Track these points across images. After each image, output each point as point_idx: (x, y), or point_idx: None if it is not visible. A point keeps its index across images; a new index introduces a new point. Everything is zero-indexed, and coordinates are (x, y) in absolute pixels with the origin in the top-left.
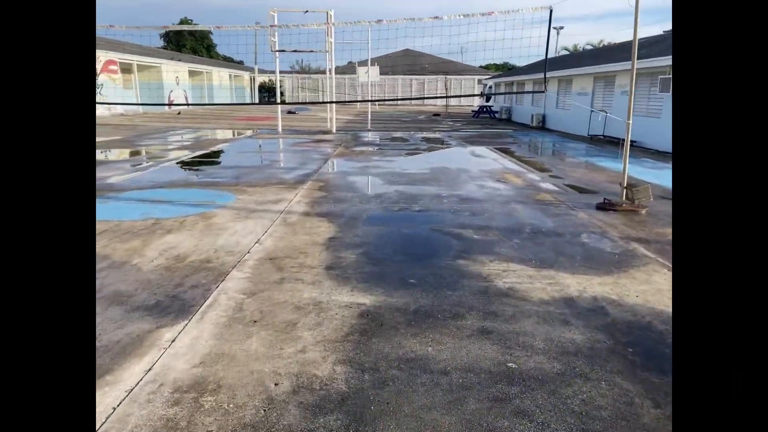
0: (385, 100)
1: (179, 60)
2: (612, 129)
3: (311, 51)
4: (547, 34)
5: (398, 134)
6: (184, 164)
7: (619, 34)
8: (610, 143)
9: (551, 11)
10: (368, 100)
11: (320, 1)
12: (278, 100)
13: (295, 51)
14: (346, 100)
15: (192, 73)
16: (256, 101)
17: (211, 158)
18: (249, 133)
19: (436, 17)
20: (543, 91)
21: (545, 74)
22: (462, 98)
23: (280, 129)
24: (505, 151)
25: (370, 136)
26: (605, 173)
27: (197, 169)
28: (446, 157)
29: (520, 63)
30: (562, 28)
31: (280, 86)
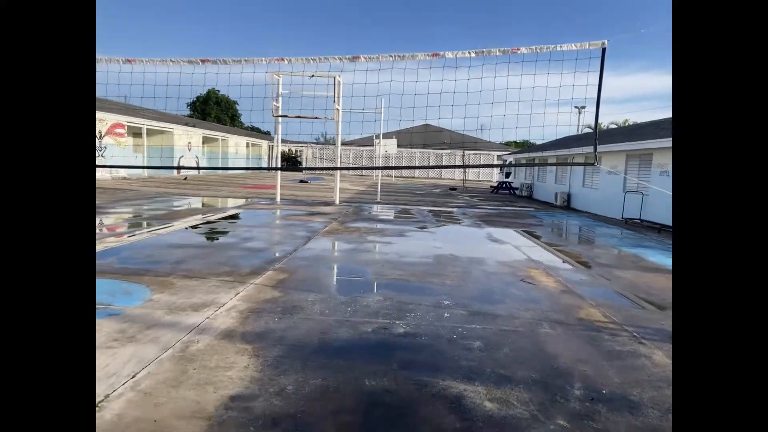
0: (393, 168)
1: (193, 126)
2: (650, 212)
3: (315, 118)
4: (599, 76)
5: (408, 208)
6: (126, 242)
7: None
8: (650, 229)
9: (604, 50)
10: (377, 168)
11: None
12: (278, 166)
13: (298, 117)
14: (353, 166)
15: (207, 140)
16: (264, 167)
17: (168, 233)
18: (242, 202)
19: (435, 54)
20: (592, 164)
21: (596, 142)
22: (480, 173)
23: (278, 198)
24: (530, 235)
25: (375, 209)
26: (664, 274)
27: (136, 249)
28: (457, 241)
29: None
30: (584, 107)
31: (300, 155)
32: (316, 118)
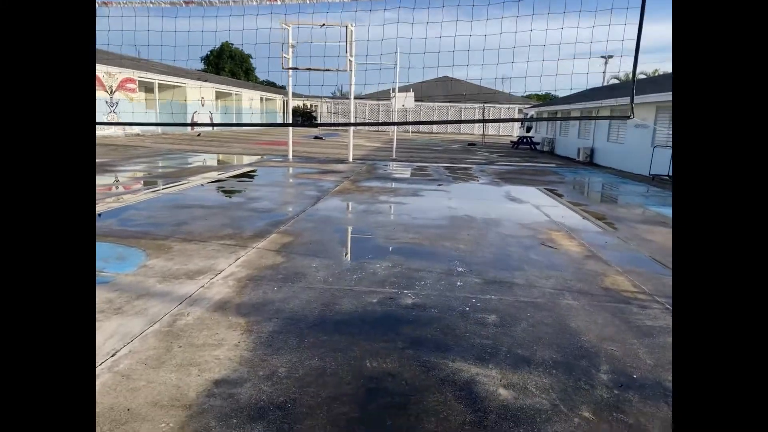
0: (407, 123)
1: (206, 80)
2: None
3: (327, 70)
4: (639, 20)
5: (425, 165)
6: (128, 202)
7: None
8: None
9: None
10: (391, 123)
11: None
12: (290, 121)
13: (308, 69)
14: (367, 122)
15: (220, 95)
16: (277, 123)
17: (174, 193)
18: (255, 159)
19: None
20: (628, 116)
21: (633, 92)
22: (500, 128)
23: (290, 156)
24: (551, 194)
25: (390, 167)
26: None
27: (137, 210)
28: (474, 201)
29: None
30: (611, 56)
31: (315, 110)
32: (328, 70)
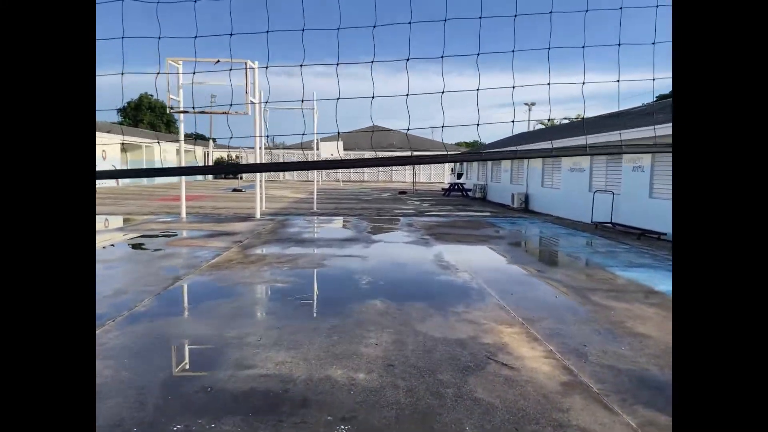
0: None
1: (107, 131)
2: (623, 214)
3: (225, 113)
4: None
5: (347, 219)
6: None
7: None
8: (626, 234)
9: None
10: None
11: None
12: (167, 168)
13: (202, 112)
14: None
15: (129, 148)
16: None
17: None
18: (140, 219)
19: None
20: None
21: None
22: (431, 175)
23: (183, 214)
24: (491, 254)
25: (304, 223)
26: None
27: None
28: (395, 273)
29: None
30: (533, 104)
31: (240, 161)
32: (226, 113)
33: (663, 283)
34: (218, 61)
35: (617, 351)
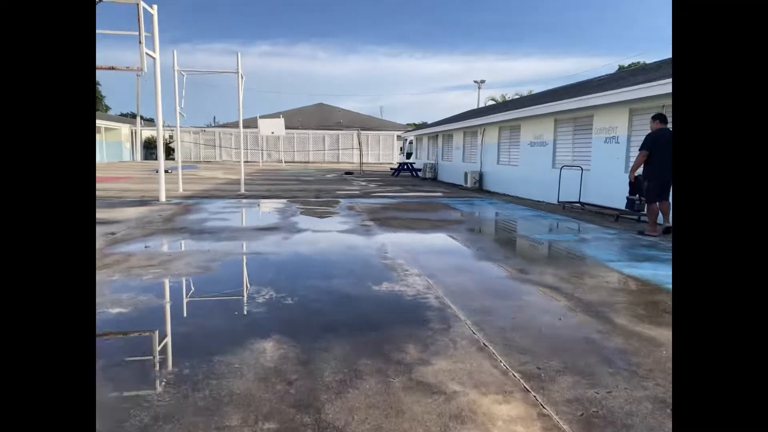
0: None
1: None
2: (593, 194)
3: (111, 68)
4: None
5: (277, 203)
6: None
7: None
8: (600, 216)
9: None
10: None
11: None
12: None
13: None
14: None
15: None
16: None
17: None
18: None
19: None
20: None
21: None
22: (380, 155)
23: None
24: (450, 245)
25: (220, 207)
26: None
27: None
28: (314, 282)
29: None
30: (483, 81)
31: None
32: (112, 68)
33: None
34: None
35: None
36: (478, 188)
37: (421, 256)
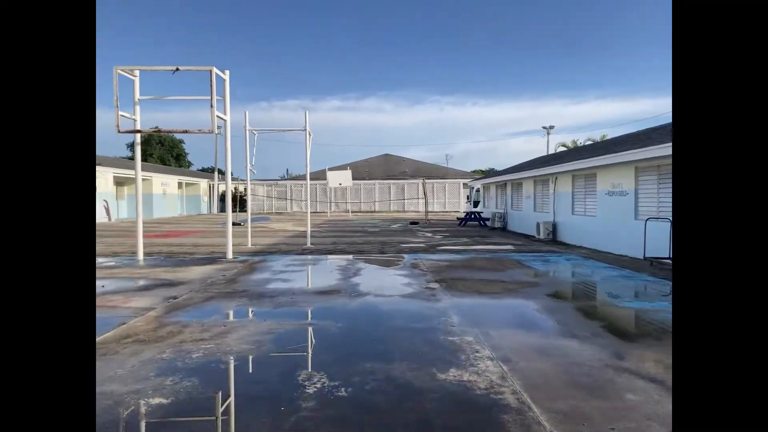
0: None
1: (98, 164)
2: None
3: (185, 131)
4: None
5: (341, 258)
6: None
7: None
8: None
9: None
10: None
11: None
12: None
13: (157, 131)
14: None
15: (123, 181)
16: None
17: None
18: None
19: None
20: None
21: None
22: (446, 203)
23: (140, 255)
24: (533, 326)
25: (284, 264)
26: None
27: None
28: (371, 364)
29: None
30: (552, 127)
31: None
32: (186, 131)
33: None
34: (177, 69)
35: None
36: (552, 240)
37: (493, 332)
